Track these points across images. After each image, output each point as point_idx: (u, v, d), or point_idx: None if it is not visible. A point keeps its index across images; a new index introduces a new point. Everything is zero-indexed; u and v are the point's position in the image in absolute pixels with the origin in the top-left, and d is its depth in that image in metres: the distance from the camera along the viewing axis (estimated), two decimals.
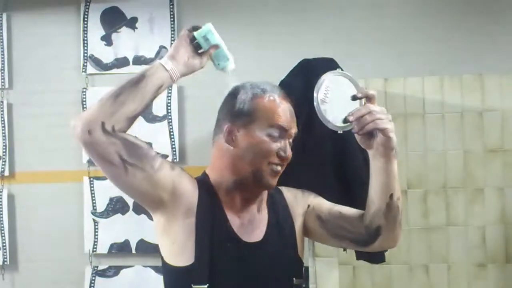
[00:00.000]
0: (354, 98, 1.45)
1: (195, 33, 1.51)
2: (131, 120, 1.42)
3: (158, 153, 1.50)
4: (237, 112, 1.53)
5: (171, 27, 3.39)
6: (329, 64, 2.62)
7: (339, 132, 1.46)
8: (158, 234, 1.54)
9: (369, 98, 1.46)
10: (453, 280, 2.91)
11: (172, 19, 3.39)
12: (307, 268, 2.69)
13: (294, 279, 1.57)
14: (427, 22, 3.23)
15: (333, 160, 2.51)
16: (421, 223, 2.93)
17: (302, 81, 2.55)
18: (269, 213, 1.59)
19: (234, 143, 1.52)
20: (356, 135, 1.48)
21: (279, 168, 1.52)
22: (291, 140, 1.55)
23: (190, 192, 1.51)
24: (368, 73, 3.06)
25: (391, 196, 1.51)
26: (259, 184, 1.52)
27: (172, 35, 3.38)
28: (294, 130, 1.54)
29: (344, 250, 2.58)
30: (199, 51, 1.51)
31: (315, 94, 1.42)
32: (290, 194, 1.67)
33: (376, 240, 1.56)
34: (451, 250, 2.92)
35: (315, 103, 1.42)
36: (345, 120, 1.43)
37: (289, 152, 1.53)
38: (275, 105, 1.52)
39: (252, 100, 1.53)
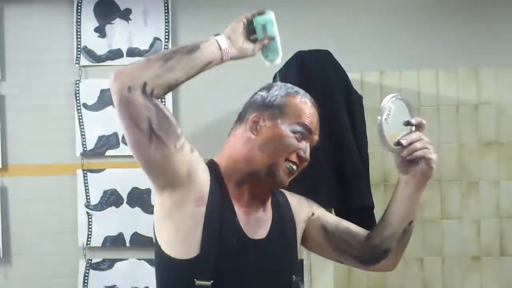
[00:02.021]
0: (408, 123, 1.47)
1: (255, 18, 1.49)
2: (171, 88, 1.39)
3: (182, 133, 1.45)
4: (267, 104, 1.52)
5: (165, 19, 3.36)
6: (324, 57, 2.61)
7: (390, 152, 1.48)
8: (160, 218, 1.46)
9: (420, 126, 1.47)
10: (447, 273, 2.92)
11: (166, 11, 3.37)
12: (301, 261, 2.68)
13: (293, 276, 1.57)
14: (422, 16, 3.22)
15: (329, 154, 2.50)
16: None
17: (296, 73, 2.55)
18: (274, 213, 1.57)
19: (257, 132, 1.50)
20: (395, 158, 1.49)
21: (294, 167, 1.50)
22: (311, 149, 1.54)
23: (204, 179, 1.46)
24: (364, 66, 3.05)
25: (410, 222, 1.54)
26: (271, 179, 1.49)
27: (166, 27, 3.36)
28: (317, 137, 1.54)
29: None
30: (251, 37, 1.49)
31: (379, 117, 1.45)
32: (294, 199, 1.66)
33: (380, 261, 1.57)
34: (446, 243, 2.93)
35: (378, 122, 1.45)
36: (397, 143, 1.45)
37: (308, 155, 1.52)
38: (306, 106, 1.52)
39: (285, 97, 1.53)
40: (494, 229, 2.91)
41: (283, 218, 1.58)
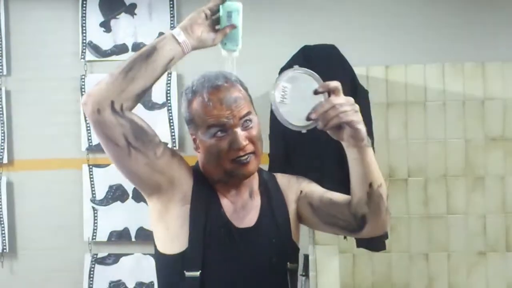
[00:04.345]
0: (316, 93, 1.38)
1: (222, 5, 1.47)
2: (140, 96, 1.42)
3: (161, 140, 1.51)
4: (187, 122, 1.57)
5: (170, 13, 3.36)
6: (331, 51, 2.61)
7: (303, 131, 1.39)
8: (154, 220, 1.55)
9: (332, 91, 1.38)
10: (453, 269, 2.91)
11: (171, 5, 3.36)
12: (307, 256, 2.68)
13: (288, 263, 1.56)
14: (428, 9, 3.21)
15: (333, 149, 2.49)
16: (421, 212, 2.93)
17: None
18: (262, 199, 1.59)
19: (198, 149, 1.55)
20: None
21: (244, 158, 1.49)
22: (248, 124, 1.50)
23: (187, 179, 1.53)
24: (369, 60, 3.04)
25: (370, 185, 1.45)
26: (234, 178, 1.53)
27: (172, 22, 3.35)
28: (238, 116, 1.49)
29: (345, 237, 2.58)
30: (216, 27, 1.48)
31: (271, 98, 1.37)
32: (283, 180, 1.65)
33: (364, 227, 1.50)
34: (451, 239, 2.92)
35: (272, 107, 1.37)
36: (309, 118, 1.37)
37: (244, 139, 1.48)
38: (203, 105, 1.49)
39: (188, 108, 1.53)
40: (500, 225, 2.91)
41: (272, 203, 1.59)
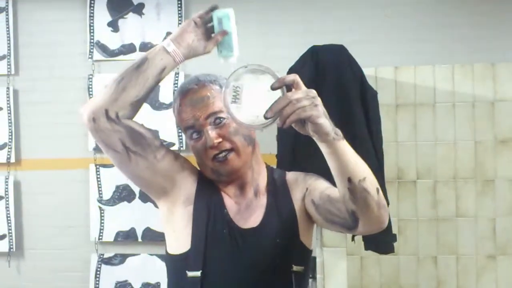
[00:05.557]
0: (273, 88, 1.29)
1: (213, 12, 1.48)
2: (135, 105, 1.45)
3: (163, 142, 1.57)
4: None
5: (178, 13, 3.35)
6: (339, 51, 2.59)
7: (260, 131, 1.31)
8: (163, 222, 1.59)
9: (292, 85, 1.29)
10: (461, 272, 2.89)
11: (179, 5, 3.35)
12: (314, 258, 2.66)
13: (293, 265, 1.52)
14: (438, 10, 3.19)
15: None
16: (430, 214, 2.90)
17: (311, 68, 2.53)
18: (268, 198, 1.56)
19: None
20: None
21: (222, 155, 1.51)
22: (221, 121, 1.51)
23: (191, 181, 1.56)
24: (378, 61, 3.02)
25: (349, 179, 1.36)
26: (222, 175, 1.54)
27: (180, 21, 3.35)
28: (204, 116, 1.51)
29: (353, 239, 2.56)
30: (213, 35, 1.49)
31: (222, 99, 1.30)
32: (292, 177, 1.61)
33: (358, 224, 1.42)
34: (460, 242, 2.90)
35: (225, 108, 1.30)
36: (265, 117, 1.27)
37: (215, 137, 1.49)
38: (177, 110, 1.57)
39: (174, 112, 1.60)
40: (510, 228, 2.88)
41: (278, 202, 1.56)
